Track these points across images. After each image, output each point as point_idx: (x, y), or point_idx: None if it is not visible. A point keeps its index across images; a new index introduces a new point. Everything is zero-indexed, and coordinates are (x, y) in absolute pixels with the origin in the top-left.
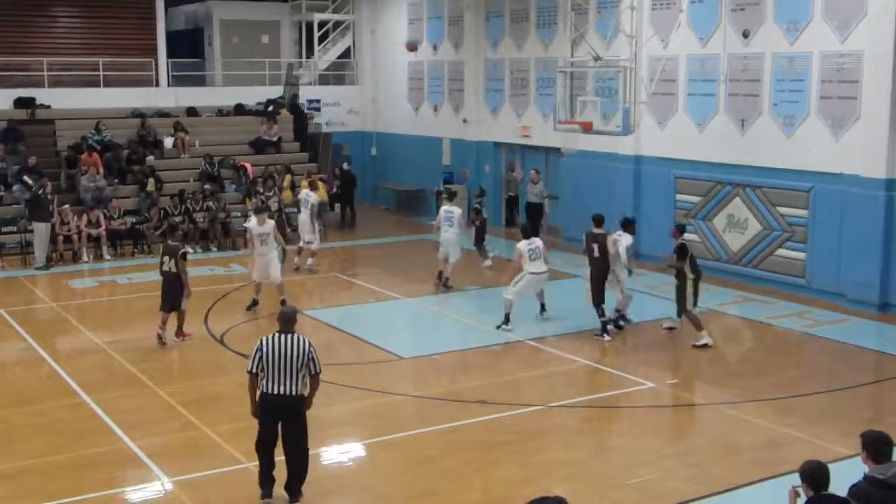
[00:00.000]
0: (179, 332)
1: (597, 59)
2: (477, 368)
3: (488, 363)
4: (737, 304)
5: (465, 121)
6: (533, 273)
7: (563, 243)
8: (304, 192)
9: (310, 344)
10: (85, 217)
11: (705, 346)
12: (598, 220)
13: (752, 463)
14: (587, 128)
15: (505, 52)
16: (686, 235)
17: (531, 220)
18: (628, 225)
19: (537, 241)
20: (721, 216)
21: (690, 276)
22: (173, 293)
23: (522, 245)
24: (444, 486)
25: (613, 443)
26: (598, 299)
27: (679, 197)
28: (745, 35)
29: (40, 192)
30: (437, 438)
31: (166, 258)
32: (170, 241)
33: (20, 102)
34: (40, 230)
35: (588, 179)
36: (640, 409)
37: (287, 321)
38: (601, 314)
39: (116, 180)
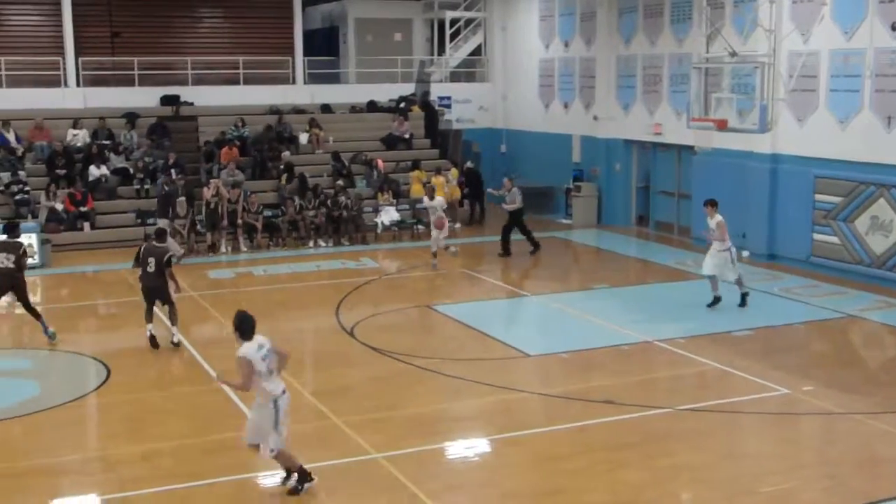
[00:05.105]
0: None
1: (733, 54)
2: (604, 368)
3: (616, 363)
4: (879, 309)
5: (595, 118)
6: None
7: (693, 244)
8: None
9: None
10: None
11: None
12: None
13: (893, 476)
14: (722, 126)
15: (638, 47)
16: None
17: (506, 231)
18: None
19: None
20: (864, 217)
21: None
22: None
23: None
24: (570, 485)
25: (744, 449)
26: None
27: (818, 197)
28: (895, 28)
29: (166, 188)
30: (562, 437)
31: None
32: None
33: (166, 100)
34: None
35: (722, 179)
36: (773, 416)
37: None
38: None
39: (251, 171)
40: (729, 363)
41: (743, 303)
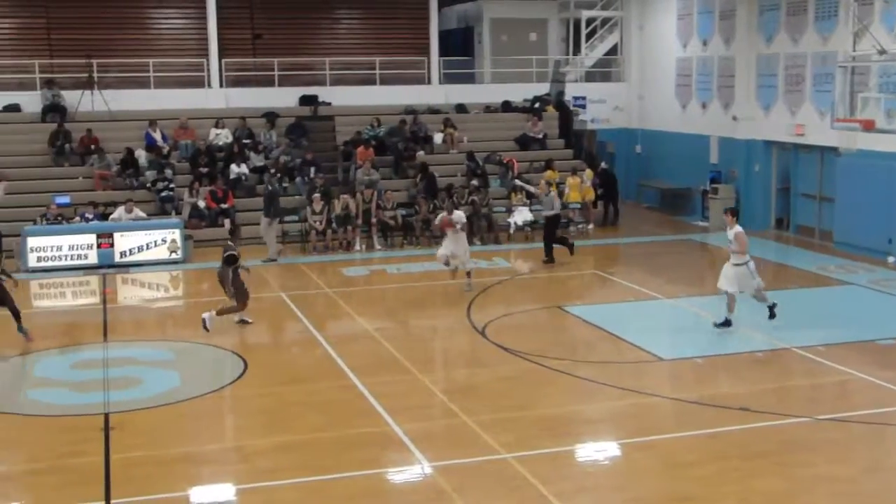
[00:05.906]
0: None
1: (882, 52)
2: (738, 374)
3: (751, 369)
4: None
5: (734, 118)
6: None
7: (835, 248)
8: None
9: None
10: (359, 197)
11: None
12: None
13: None
14: (868, 126)
15: (779, 46)
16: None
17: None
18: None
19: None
20: None
21: None
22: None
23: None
24: (700, 492)
25: (889, 462)
26: None
27: None
28: None
29: (269, 188)
30: (694, 443)
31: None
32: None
33: (304, 100)
34: (264, 225)
35: (867, 181)
36: None
37: None
38: None
39: (390, 168)
40: (872, 373)
41: (772, 315)
